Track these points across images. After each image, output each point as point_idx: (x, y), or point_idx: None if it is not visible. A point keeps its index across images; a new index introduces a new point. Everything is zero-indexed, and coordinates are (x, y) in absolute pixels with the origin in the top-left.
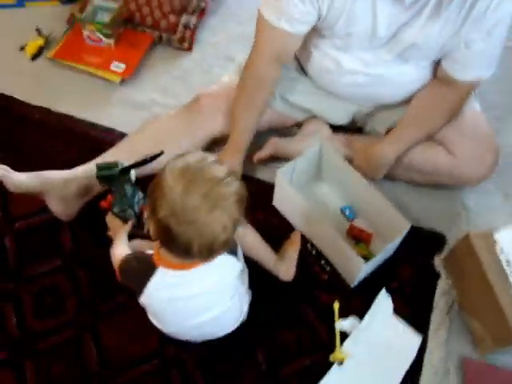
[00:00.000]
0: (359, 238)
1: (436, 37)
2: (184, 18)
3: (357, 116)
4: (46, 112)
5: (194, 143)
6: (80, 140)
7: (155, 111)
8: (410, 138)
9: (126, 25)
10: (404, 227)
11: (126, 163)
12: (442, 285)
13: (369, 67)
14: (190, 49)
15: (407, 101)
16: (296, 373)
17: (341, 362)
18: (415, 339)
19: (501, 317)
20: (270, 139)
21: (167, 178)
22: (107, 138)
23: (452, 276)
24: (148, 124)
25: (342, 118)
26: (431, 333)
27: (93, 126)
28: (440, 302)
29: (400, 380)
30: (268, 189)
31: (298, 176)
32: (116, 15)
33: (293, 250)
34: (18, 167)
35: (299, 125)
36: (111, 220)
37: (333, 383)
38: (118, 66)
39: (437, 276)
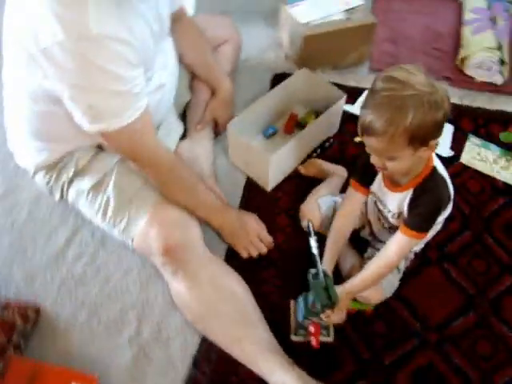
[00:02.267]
0: (304, 121)
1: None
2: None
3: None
4: None
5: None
6: None
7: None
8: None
9: None
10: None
11: (319, 267)
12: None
13: (167, 66)
14: None
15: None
16: None
17: None
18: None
19: None
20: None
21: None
22: None
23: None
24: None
25: (187, 94)
26: None
27: None
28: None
29: None
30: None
31: None
32: None
33: None
34: None
35: None
36: (331, 317)
37: None
38: None
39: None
